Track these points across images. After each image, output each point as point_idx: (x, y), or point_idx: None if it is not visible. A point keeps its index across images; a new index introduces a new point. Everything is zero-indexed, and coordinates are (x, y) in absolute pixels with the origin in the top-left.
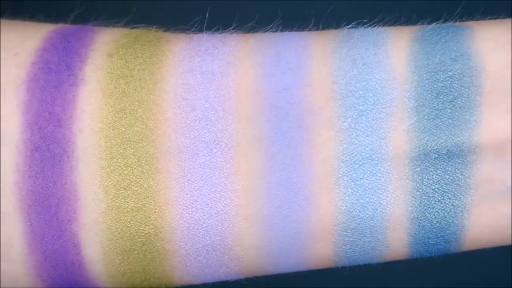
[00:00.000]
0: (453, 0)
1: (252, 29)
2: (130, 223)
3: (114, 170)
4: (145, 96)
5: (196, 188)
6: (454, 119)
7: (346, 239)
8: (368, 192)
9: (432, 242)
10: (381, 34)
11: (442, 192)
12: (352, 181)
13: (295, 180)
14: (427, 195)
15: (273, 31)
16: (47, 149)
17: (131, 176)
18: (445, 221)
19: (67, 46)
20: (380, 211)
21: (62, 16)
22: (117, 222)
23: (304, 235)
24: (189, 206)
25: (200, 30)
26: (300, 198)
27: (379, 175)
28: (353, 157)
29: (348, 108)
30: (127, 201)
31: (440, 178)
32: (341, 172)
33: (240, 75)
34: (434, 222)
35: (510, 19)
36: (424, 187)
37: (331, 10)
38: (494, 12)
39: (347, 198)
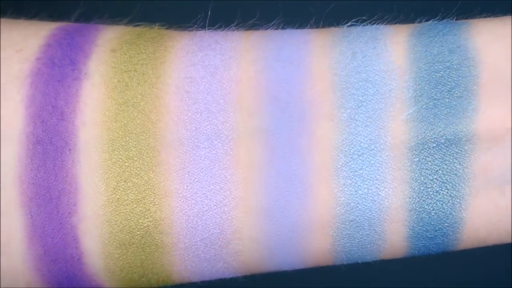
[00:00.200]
0: (450, 0)
1: (254, 27)
2: (130, 215)
3: (115, 162)
4: (147, 90)
5: (196, 180)
6: (451, 108)
7: (344, 231)
8: (366, 182)
9: (430, 236)
10: (380, 30)
11: (440, 183)
12: (351, 172)
13: (294, 171)
14: (425, 185)
15: (274, 29)
16: (49, 142)
17: (132, 168)
18: (443, 212)
19: (71, 42)
20: (378, 202)
21: (64, 16)
22: (117, 214)
23: (303, 227)
24: (188, 198)
25: (202, 28)
26: (299, 189)
27: (378, 165)
28: (352, 148)
29: (347, 99)
30: (127, 193)
31: (438, 168)
32: (340, 163)
33: (241, 68)
34: (432, 213)
35: (506, 16)
36: (422, 177)
37: (331, 9)
38: (491, 12)
39: (345, 189)
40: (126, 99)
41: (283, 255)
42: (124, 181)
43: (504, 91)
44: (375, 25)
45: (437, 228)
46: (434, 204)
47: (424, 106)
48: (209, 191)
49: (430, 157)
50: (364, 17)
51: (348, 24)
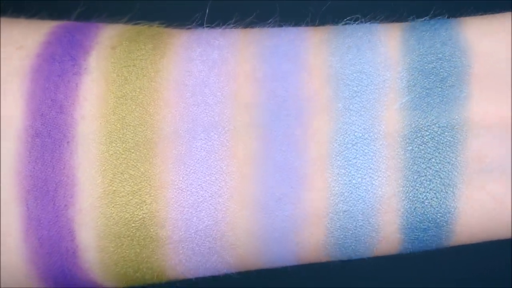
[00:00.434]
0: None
1: (251, 25)
2: (125, 207)
3: (112, 154)
4: (146, 83)
5: (192, 171)
6: (444, 97)
7: (338, 223)
8: (360, 172)
9: (424, 227)
10: (375, 26)
11: (434, 171)
12: (345, 161)
13: (290, 164)
14: (418, 174)
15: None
16: (48, 135)
17: (129, 160)
18: (436, 201)
19: (71, 40)
20: (372, 191)
21: (63, 15)
22: (113, 206)
23: (297, 220)
24: (184, 189)
25: (201, 27)
26: (294, 181)
27: (372, 154)
28: (347, 137)
29: (342, 90)
30: (124, 185)
31: (431, 157)
32: (334, 153)
33: (239, 64)
34: (426, 202)
35: (496, 14)
36: (415, 166)
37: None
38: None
39: (340, 178)
40: (125, 93)
41: (278, 249)
42: (121, 173)
43: (496, 80)
44: (369, 23)
45: (430, 218)
46: (427, 193)
47: (417, 96)
48: (205, 182)
49: (424, 145)
50: (358, 16)
51: (343, 23)
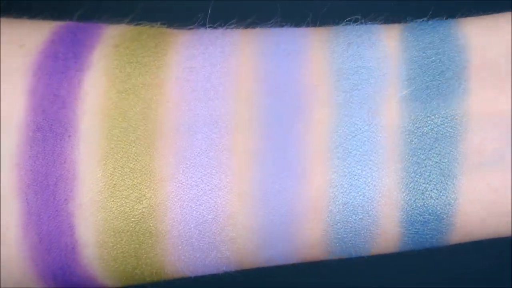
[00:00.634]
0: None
1: (252, 26)
2: (125, 201)
3: (113, 148)
4: (148, 79)
5: (192, 164)
6: (443, 89)
7: (338, 216)
8: (360, 163)
9: (424, 220)
10: (375, 26)
11: (434, 162)
12: (345, 153)
13: (290, 158)
14: (418, 165)
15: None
16: (49, 129)
17: (130, 154)
18: (435, 192)
19: (74, 39)
20: (372, 183)
21: (65, 16)
22: (113, 200)
23: (297, 214)
24: (184, 183)
25: (202, 27)
26: (294, 174)
27: (371, 146)
28: (347, 129)
29: (342, 83)
30: (124, 179)
31: (431, 148)
32: (334, 145)
33: (240, 61)
34: (425, 194)
35: (496, 14)
36: (415, 157)
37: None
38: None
39: (339, 170)
40: (127, 88)
41: (277, 245)
42: (121, 167)
43: (495, 74)
44: (369, 24)
45: (430, 211)
46: (427, 184)
47: (416, 88)
48: (205, 175)
49: (423, 136)
50: (358, 17)
51: (343, 23)
